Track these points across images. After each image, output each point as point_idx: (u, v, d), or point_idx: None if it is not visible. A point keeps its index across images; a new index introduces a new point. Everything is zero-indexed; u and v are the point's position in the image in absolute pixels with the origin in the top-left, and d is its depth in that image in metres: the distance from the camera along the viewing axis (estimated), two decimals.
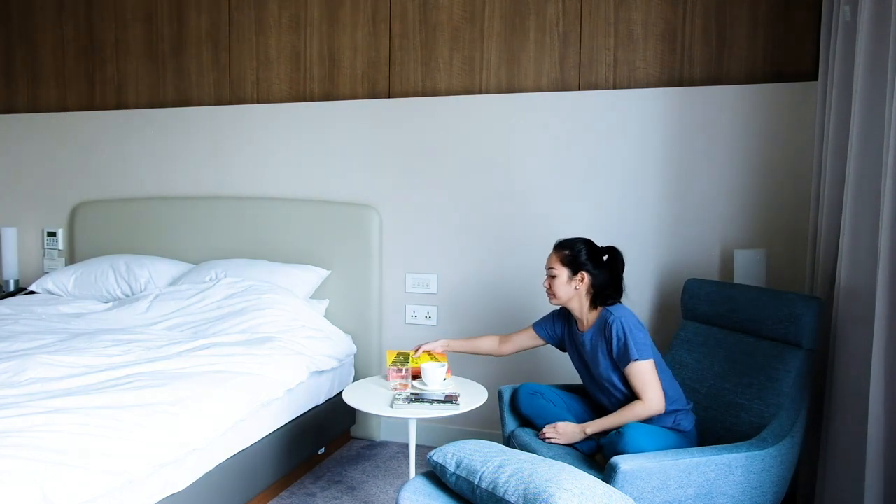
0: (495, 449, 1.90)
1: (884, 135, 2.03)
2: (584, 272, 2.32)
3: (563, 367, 2.80)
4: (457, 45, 3.30)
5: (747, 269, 2.79)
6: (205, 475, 2.23)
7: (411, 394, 2.46)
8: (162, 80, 3.81)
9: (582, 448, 2.30)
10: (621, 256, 2.37)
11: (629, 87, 3.07)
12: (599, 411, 2.35)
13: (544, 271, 2.42)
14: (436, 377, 2.55)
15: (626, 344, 2.19)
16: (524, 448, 2.30)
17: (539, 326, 2.55)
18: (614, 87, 3.09)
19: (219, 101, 3.71)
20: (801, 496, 2.54)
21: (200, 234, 3.63)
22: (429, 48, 3.34)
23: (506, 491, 1.69)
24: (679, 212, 2.99)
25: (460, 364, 3.06)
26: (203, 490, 2.23)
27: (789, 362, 2.24)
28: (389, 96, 3.41)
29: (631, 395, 2.23)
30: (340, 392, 3.03)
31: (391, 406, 2.37)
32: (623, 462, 1.89)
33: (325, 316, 3.33)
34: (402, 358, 2.63)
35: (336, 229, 3.40)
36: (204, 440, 2.17)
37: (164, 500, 2.04)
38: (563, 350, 2.51)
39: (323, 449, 3.10)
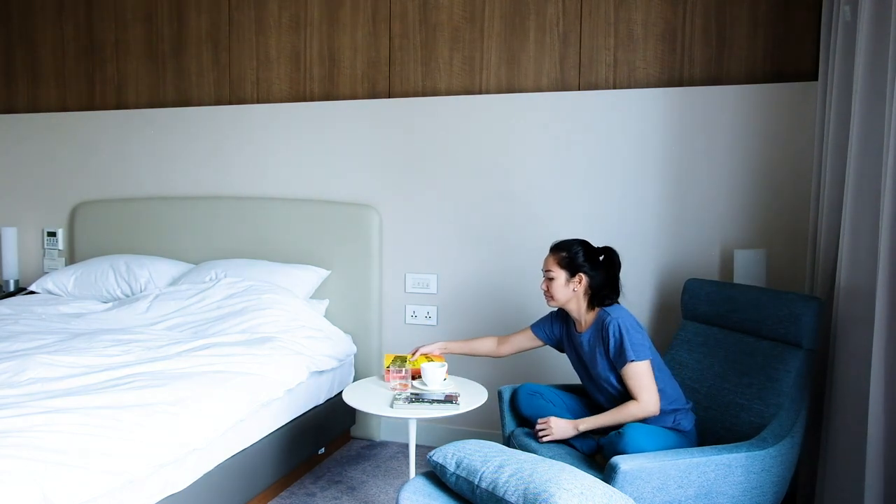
0: (495, 449, 1.90)
1: (884, 135, 2.03)
2: (581, 274, 2.32)
3: (563, 368, 2.80)
4: (457, 45, 3.30)
5: (747, 269, 2.79)
6: (205, 475, 2.23)
7: (411, 394, 2.46)
8: (162, 80, 3.81)
9: (582, 448, 2.30)
10: (617, 256, 2.37)
11: (629, 87, 3.07)
12: (598, 411, 2.34)
13: (541, 273, 2.42)
14: (436, 377, 2.55)
15: (622, 345, 2.19)
16: (524, 448, 2.30)
17: (537, 327, 2.55)
18: (614, 87, 3.09)
19: (219, 101, 3.71)
20: (801, 496, 2.54)
21: (200, 234, 3.63)
22: (429, 48, 3.34)
23: (506, 491, 1.69)
24: (679, 212, 2.99)
25: (460, 364, 3.06)
26: (203, 490, 2.23)
27: (789, 362, 2.24)
28: (389, 96, 3.41)
29: (629, 396, 2.23)
30: (340, 392, 3.03)
31: (391, 406, 2.37)
32: (623, 462, 1.89)
33: (325, 316, 3.33)
34: (400, 361, 2.62)
35: (336, 229, 3.40)
36: (204, 440, 2.17)
37: (164, 500, 2.04)
38: (562, 351, 2.51)
39: (323, 449, 3.10)
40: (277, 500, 2.75)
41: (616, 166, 3.06)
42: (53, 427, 1.85)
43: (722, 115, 2.91)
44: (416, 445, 2.64)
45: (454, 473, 1.86)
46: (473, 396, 2.48)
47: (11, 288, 3.96)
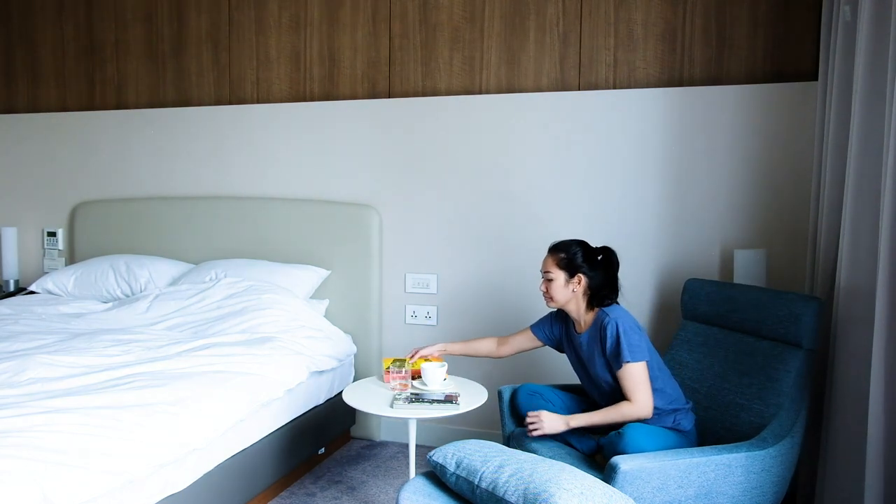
0: (495, 449, 1.90)
1: (884, 135, 2.03)
2: (580, 274, 2.31)
3: (562, 368, 2.80)
4: (457, 45, 3.30)
5: (747, 269, 2.79)
6: (205, 475, 2.23)
7: (411, 394, 2.46)
8: (162, 80, 3.81)
9: (582, 448, 2.30)
10: (615, 256, 2.37)
11: (629, 87, 3.07)
12: None
13: (540, 274, 2.42)
14: (436, 377, 2.55)
15: (619, 345, 2.18)
16: (524, 448, 2.30)
17: (537, 328, 2.54)
18: (614, 87, 3.09)
19: (219, 101, 3.71)
20: (801, 496, 2.54)
21: (200, 234, 3.63)
22: (429, 48, 3.34)
23: (506, 491, 1.69)
24: (679, 212, 2.99)
25: (460, 364, 3.06)
26: (203, 490, 2.23)
27: (789, 362, 2.24)
28: (389, 96, 3.41)
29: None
30: (340, 392, 3.03)
31: (391, 406, 2.37)
32: (623, 462, 1.89)
33: (325, 316, 3.33)
34: (399, 364, 2.62)
35: (336, 229, 3.40)
36: (204, 440, 2.17)
37: (164, 500, 2.04)
38: (562, 351, 2.51)
39: (323, 449, 3.10)
40: (277, 500, 2.75)
41: (616, 166, 3.06)
42: (53, 427, 1.85)
43: (722, 115, 2.91)
44: (416, 445, 2.64)
45: (454, 473, 1.86)
46: (473, 396, 2.48)
47: (11, 288, 3.96)
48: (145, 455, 1.93)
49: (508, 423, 2.49)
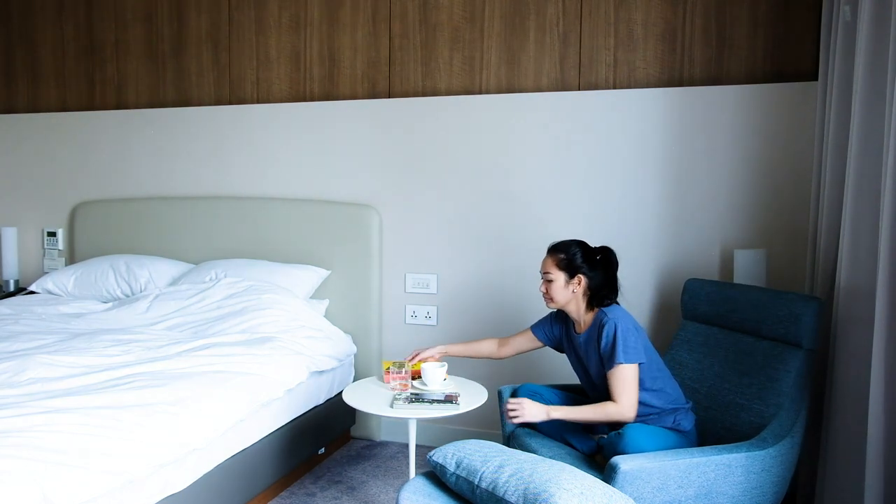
0: (495, 449, 1.90)
1: (884, 135, 2.03)
2: (580, 275, 2.30)
3: (562, 368, 2.80)
4: (457, 45, 3.30)
5: (747, 269, 2.79)
6: (205, 475, 2.23)
7: (411, 394, 2.46)
8: (162, 80, 3.81)
9: (582, 448, 2.30)
10: (614, 256, 2.36)
11: (629, 87, 3.07)
12: None
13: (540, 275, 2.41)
14: (435, 377, 2.55)
15: (614, 346, 2.17)
16: (524, 448, 2.30)
17: (537, 329, 2.54)
18: (614, 87, 3.09)
19: (219, 101, 3.71)
20: (801, 496, 2.54)
21: (200, 234, 3.63)
22: (429, 48, 3.34)
23: (506, 491, 1.69)
24: (679, 212, 2.99)
25: (460, 364, 3.05)
26: (203, 490, 2.23)
27: (789, 362, 2.24)
28: (389, 96, 3.41)
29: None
30: (340, 392, 3.03)
31: (391, 406, 2.37)
32: (623, 462, 1.89)
33: (325, 316, 3.33)
34: (398, 366, 2.61)
35: (336, 229, 3.40)
36: (204, 440, 2.17)
37: (164, 500, 2.04)
38: (562, 352, 2.51)
39: (323, 449, 3.10)
40: (277, 500, 2.75)
41: (616, 166, 3.06)
42: (53, 427, 1.85)
43: (722, 115, 2.91)
44: (416, 445, 2.64)
45: (454, 473, 1.86)
46: (473, 396, 2.48)
47: (11, 288, 3.96)
48: (145, 455, 1.93)
49: (508, 423, 2.49)
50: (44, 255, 4.05)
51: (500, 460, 1.81)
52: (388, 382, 2.58)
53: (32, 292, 3.63)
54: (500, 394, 2.53)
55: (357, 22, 3.44)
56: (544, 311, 2.57)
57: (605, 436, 2.24)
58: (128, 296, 3.47)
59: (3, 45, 4.10)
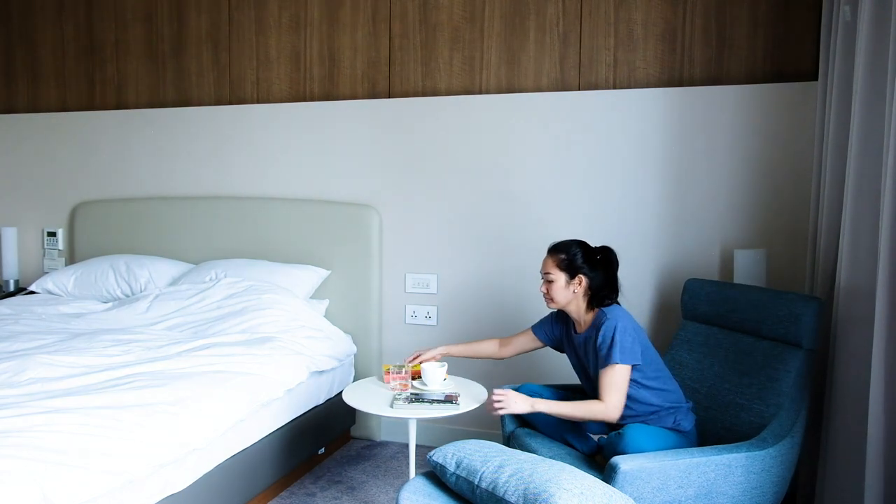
0: (495, 449, 1.90)
1: (884, 135, 2.03)
2: (581, 275, 2.30)
3: (562, 368, 2.80)
4: (457, 45, 3.30)
5: (747, 269, 2.79)
6: (205, 475, 2.23)
7: (411, 394, 2.46)
8: (162, 80, 3.81)
9: (582, 448, 2.30)
10: (615, 255, 2.35)
11: (629, 87, 3.07)
12: None
13: (540, 275, 2.41)
14: (436, 377, 2.55)
15: (611, 346, 2.16)
16: (524, 448, 2.30)
17: (538, 329, 2.54)
18: (614, 87, 3.09)
19: (219, 101, 3.71)
20: (801, 496, 2.54)
21: (200, 234, 3.63)
22: (429, 48, 3.34)
23: (506, 491, 1.69)
24: (679, 212, 2.99)
25: (460, 364, 3.05)
26: (203, 490, 2.23)
27: (789, 362, 2.24)
28: (389, 96, 3.41)
29: (627, 400, 2.21)
30: (340, 392, 3.03)
31: (391, 406, 2.37)
32: (623, 462, 1.89)
33: (325, 316, 3.33)
34: (398, 368, 2.60)
35: (336, 229, 3.40)
36: (204, 440, 2.17)
37: (164, 500, 2.04)
38: (562, 352, 2.51)
39: (323, 449, 3.10)
40: (277, 500, 2.75)
41: (616, 166, 3.06)
42: (53, 427, 1.85)
43: (722, 115, 2.91)
44: (416, 445, 2.64)
45: (454, 473, 1.86)
46: (473, 396, 2.48)
47: (11, 288, 3.96)
48: (145, 455, 1.93)
49: (508, 423, 2.49)
50: (44, 255, 4.05)
51: (500, 460, 1.81)
52: (388, 382, 2.57)
53: (32, 292, 3.63)
54: None
55: (357, 22, 3.44)
56: (544, 311, 2.57)
57: (605, 436, 2.24)
58: (128, 296, 3.47)
59: (3, 45, 4.10)
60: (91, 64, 3.93)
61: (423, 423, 3.21)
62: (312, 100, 3.54)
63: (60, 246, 4.02)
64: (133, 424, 1.97)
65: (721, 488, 1.97)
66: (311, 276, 3.33)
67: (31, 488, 1.61)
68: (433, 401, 2.38)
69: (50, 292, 3.58)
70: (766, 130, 2.87)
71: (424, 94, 3.35)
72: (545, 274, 2.35)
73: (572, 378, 2.60)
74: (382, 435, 3.43)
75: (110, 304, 3.39)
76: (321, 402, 2.99)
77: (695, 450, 2.00)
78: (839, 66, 2.39)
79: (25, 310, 3.26)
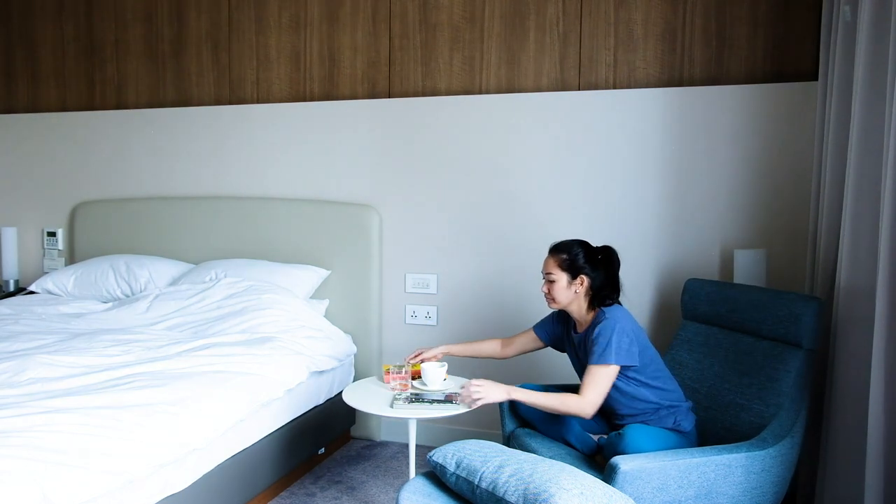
0: (495, 449, 1.90)
1: (884, 135, 2.03)
2: (583, 275, 2.29)
3: (562, 368, 2.80)
4: (457, 45, 3.30)
5: (747, 269, 2.79)
6: (205, 475, 2.23)
7: (411, 394, 2.46)
8: (162, 80, 3.81)
9: (582, 448, 2.30)
10: (616, 255, 2.35)
11: (629, 87, 3.07)
12: (602, 417, 2.33)
13: (541, 275, 2.40)
14: (436, 377, 2.55)
15: (604, 345, 2.16)
16: (524, 448, 2.30)
17: (539, 329, 2.54)
18: (614, 87, 3.09)
19: (219, 101, 3.71)
20: (801, 496, 2.54)
21: (200, 234, 3.63)
22: (429, 48, 3.34)
23: (506, 491, 1.69)
24: (679, 212, 2.99)
25: (461, 364, 3.05)
26: (203, 490, 2.23)
27: (789, 362, 2.24)
28: (389, 96, 3.41)
29: (626, 398, 2.22)
30: (340, 392, 3.03)
31: (391, 406, 2.37)
32: (623, 462, 1.89)
33: (325, 316, 3.33)
34: (398, 368, 2.60)
35: (336, 229, 3.40)
36: (204, 440, 2.17)
37: (164, 500, 2.04)
38: (563, 351, 2.51)
39: (323, 449, 3.10)
40: (277, 500, 2.75)
41: (616, 166, 3.06)
42: (53, 427, 1.85)
43: (722, 115, 2.91)
44: (416, 445, 2.64)
45: (454, 473, 1.86)
46: None
47: (11, 288, 3.96)
48: (145, 455, 1.93)
49: (508, 423, 2.49)
50: (44, 255, 4.05)
51: (500, 460, 1.81)
52: (388, 382, 2.57)
53: (32, 292, 3.63)
54: None
55: (357, 22, 3.44)
56: (545, 311, 2.57)
57: (605, 436, 2.24)
58: (128, 296, 3.47)
59: (3, 45, 4.10)
60: (91, 64, 3.93)
61: (423, 423, 3.21)
62: (312, 100, 3.54)
63: (60, 246, 4.02)
64: (133, 424, 1.97)
65: (721, 488, 1.97)
66: (311, 276, 3.33)
67: (31, 488, 1.61)
68: (433, 401, 2.38)
69: (50, 292, 3.58)
70: (766, 130, 2.87)
71: (424, 94, 3.35)
72: (547, 274, 2.34)
73: (572, 378, 2.60)
74: (382, 435, 3.43)
75: (110, 304, 3.39)
76: (321, 402, 2.99)
77: (695, 450, 2.00)
78: (839, 66, 2.39)
79: (25, 310, 3.26)
